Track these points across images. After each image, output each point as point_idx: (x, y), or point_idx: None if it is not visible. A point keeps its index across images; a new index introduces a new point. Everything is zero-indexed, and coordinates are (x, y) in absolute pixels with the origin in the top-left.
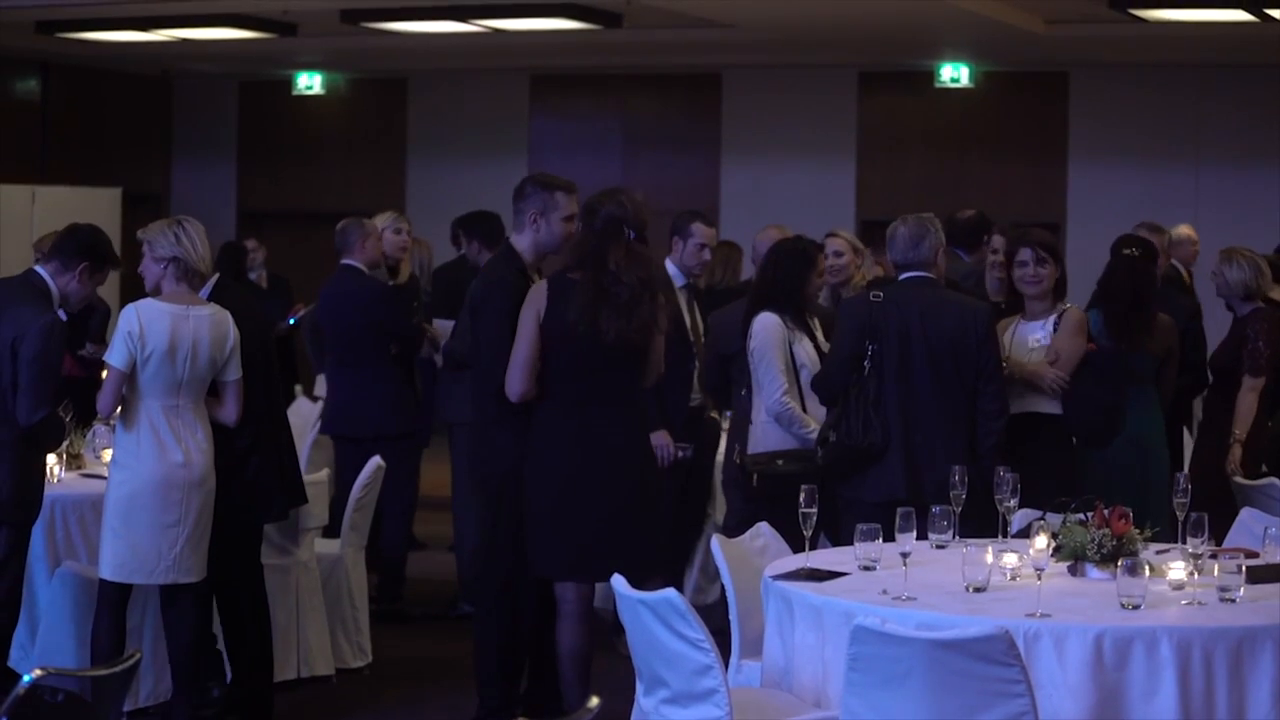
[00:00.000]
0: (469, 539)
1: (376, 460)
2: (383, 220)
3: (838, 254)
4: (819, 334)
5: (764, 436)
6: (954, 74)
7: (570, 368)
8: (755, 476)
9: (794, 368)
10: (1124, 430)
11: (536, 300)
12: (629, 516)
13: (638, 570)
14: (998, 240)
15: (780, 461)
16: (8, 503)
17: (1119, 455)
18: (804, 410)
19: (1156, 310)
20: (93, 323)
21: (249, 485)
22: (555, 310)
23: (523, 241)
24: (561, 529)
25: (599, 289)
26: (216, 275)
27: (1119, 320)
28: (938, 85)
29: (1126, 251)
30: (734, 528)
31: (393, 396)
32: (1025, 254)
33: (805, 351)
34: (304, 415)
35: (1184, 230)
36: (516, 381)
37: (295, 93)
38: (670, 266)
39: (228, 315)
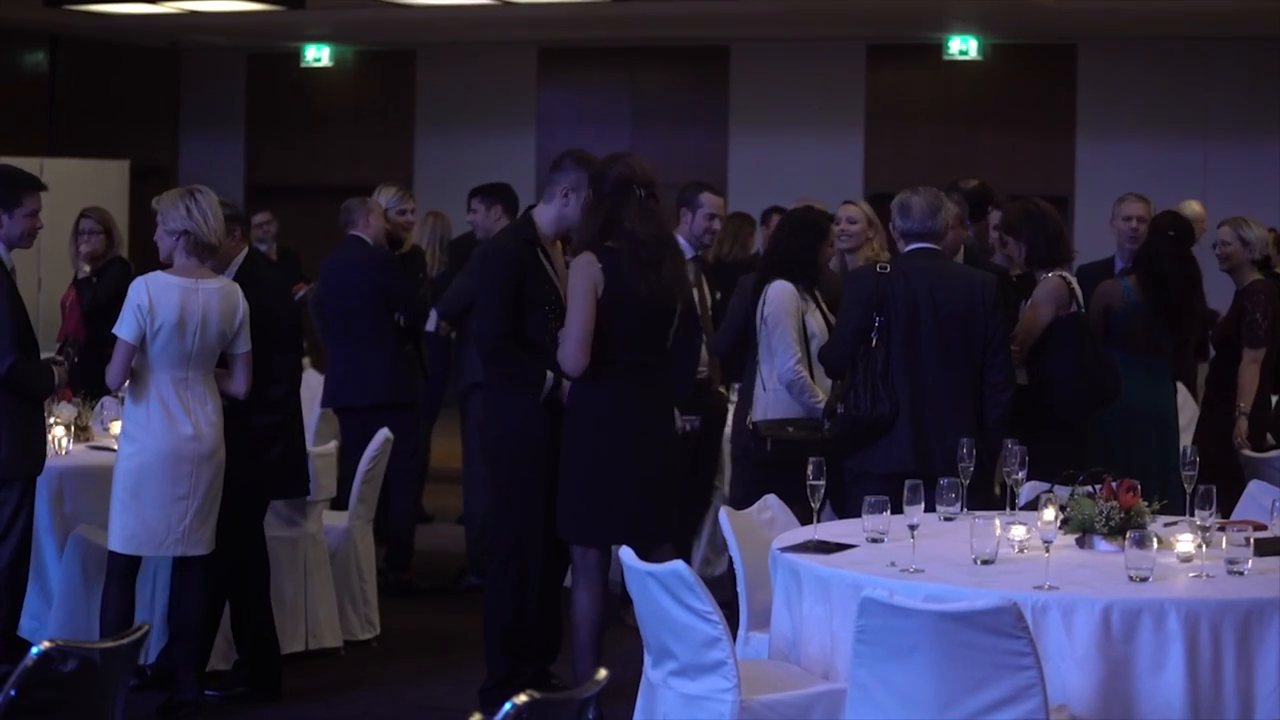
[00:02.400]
0: (478, 510)
1: (385, 433)
2: (387, 198)
3: (851, 220)
4: (824, 306)
5: (774, 403)
6: (962, 47)
7: (618, 337)
8: (769, 441)
9: (805, 337)
10: (1132, 400)
11: (591, 274)
12: (661, 484)
13: (662, 538)
14: (995, 215)
15: (791, 429)
16: (7, 459)
17: (1132, 429)
18: (813, 380)
19: (1198, 295)
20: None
21: (277, 463)
22: (612, 281)
23: (547, 214)
24: (595, 494)
25: (639, 255)
26: (247, 249)
27: (1165, 300)
28: (946, 58)
29: (1171, 232)
30: (740, 499)
31: (391, 365)
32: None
33: (816, 322)
34: (312, 389)
35: (1195, 207)
36: (576, 356)
37: (303, 65)
38: (679, 239)
39: (237, 288)
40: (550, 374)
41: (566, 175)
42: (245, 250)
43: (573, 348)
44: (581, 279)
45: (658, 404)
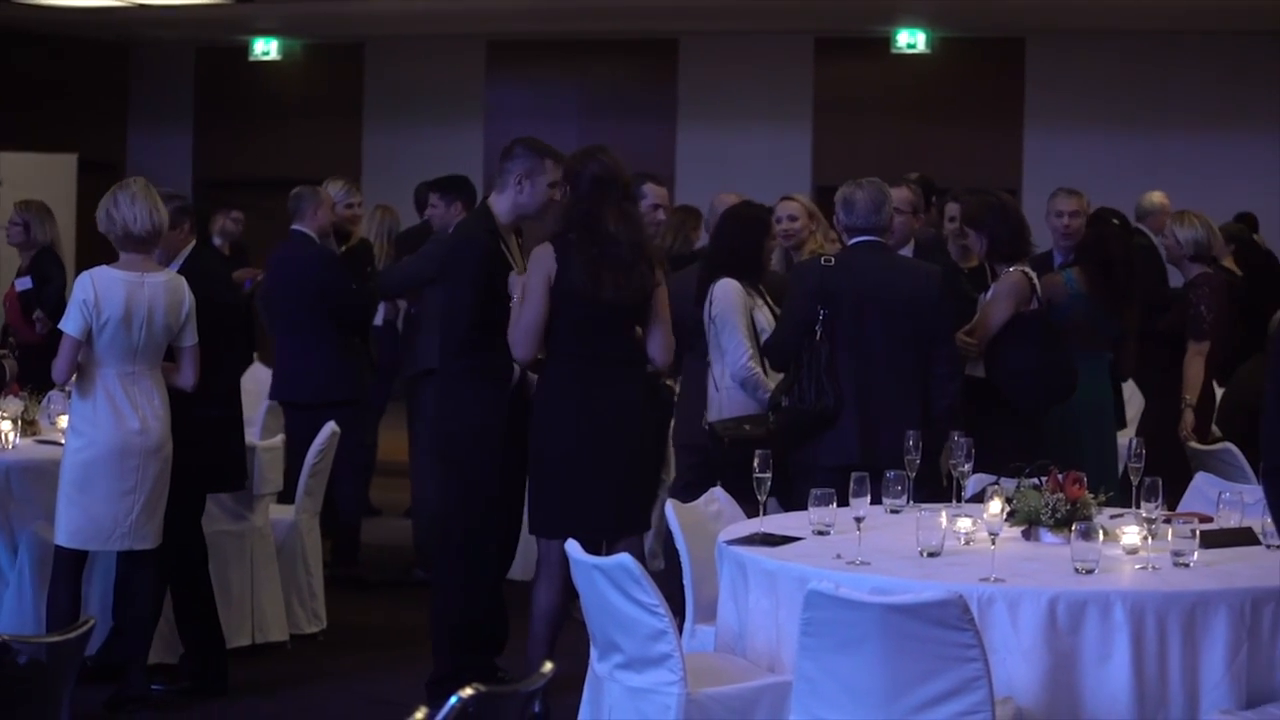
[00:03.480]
0: (426, 504)
1: (331, 426)
2: (334, 191)
3: (791, 218)
4: (770, 301)
5: (729, 402)
6: (910, 40)
7: (577, 329)
8: (727, 440)
9: (755, 333)
10: (1074, 394)
11: (545, 263)
12: (625, 478)
13: (627, 531)
14: (952, 207)
15: (747, 426)
16: None
17: (1072, 421)
18: (766, 375)
19: (1139, 283)
20: (46, 292)
21: (217, 457)
22: (564, 272)
23: (503, 203)
24: (558, 488)
25: (599, 250)
26: (194, 242)
27: (1109, 290)
28: (894, 51)
29: (1115, 221)
30: (680, 490)
31: (338, 362)
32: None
33: (764, 317)
34: (260, 382)
35: (1157, 198)
36: (526, 345)
37: (252, 59)
38: None
39: (183, 281)
40: (517, 366)
41: (519, 162)
42: (193, 243)
43: (519, 335)
44: (537, 268)
45: (622, 399)
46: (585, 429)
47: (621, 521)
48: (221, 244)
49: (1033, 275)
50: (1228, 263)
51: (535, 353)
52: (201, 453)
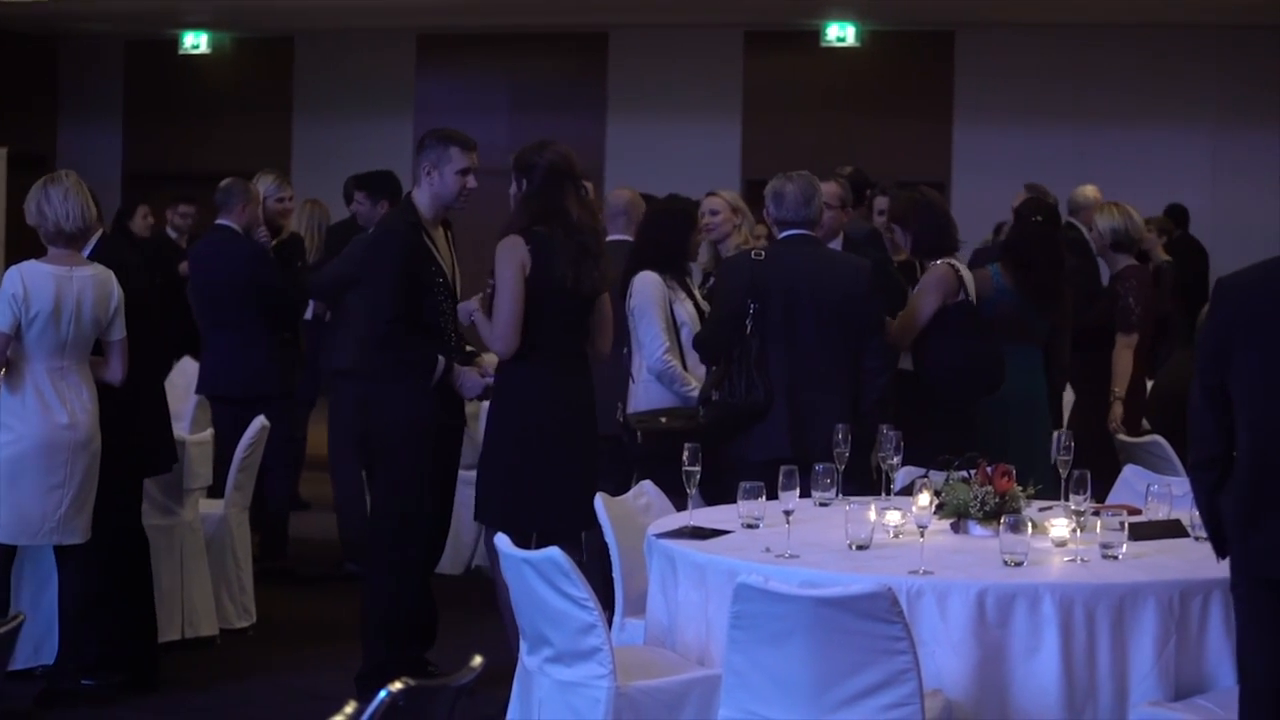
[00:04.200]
0: (349, 499)
1: (261, 420)
2: (265, 185)
3: (713, 212)
4: (697, 293)
5: (646, 395)
6: (840, 33)
7: (551, 322)
8: (639, 434)
9: (674, 326)
10: (1003, 386)
11: (519, 255)
12: (586, 472)
13: (588, 525)
14: (880, 201)
15: (664, 419)
16: None
17: (1004, 415)
18: (684, 369)
19: (1067, 277)
20: None
21: (138, 440)
22: (541, 266)
23: (422, 196)
24: (521, 481)
25: (576, 241)
26: (102, 231)
27: (1035, 285)
28: (824, 45)
29: (1036, 218)
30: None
31: (265, 357)
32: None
33: (685, 310)
34: (188, 375)
35: (1090, 192)
36: (509, 340)
37: (181, 52)
38: None
39: (111, 275)
40: (441, 359)
41: (427, 154)
42: (100, 231)
43: (504, 329)
44: (510, 260)
45: (584, 393)
46: (561, 422)
47: (586, 516)
48: (179, 238)
49: (959, 268)
50: (1160, 252)
51: (517, 345)
52: (124, 439)
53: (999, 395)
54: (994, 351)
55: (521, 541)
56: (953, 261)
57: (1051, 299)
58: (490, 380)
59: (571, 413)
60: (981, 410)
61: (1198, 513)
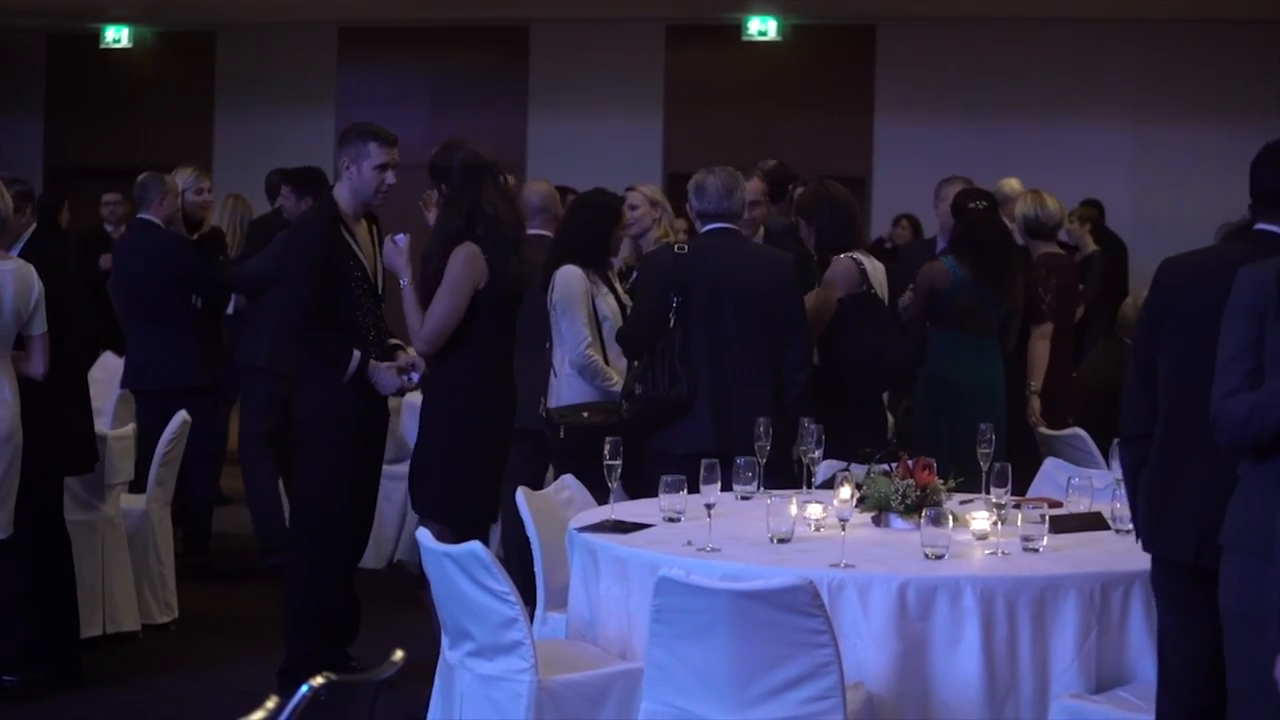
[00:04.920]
0: (261, 490)
1: (182, 415)
2: (184, 179)
3: (631, 206)
4: (618, 287)
5: (568, 389)
6: (761, 27)
7: (496, 318)
8: (562, 429)
9: (596, 321)
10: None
11: (477, 269)
12: (504, 465)
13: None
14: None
15: (586, 414)
16: None
17: (962, 406)
18: (606, 363)
19: (1018, 261)
20: None
21: (63, 438)
22: (497, 273)
23: (342, 191)
24: (461, 475)
25: (511, 240)
26: (34, 226)
27: (991, 270)
28: (745, 39)
29: (973, 205)
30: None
31: (189, 351)
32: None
33: (607, 305)
34: (110, 370)
35: (1014, 184)
36: (433, 343)
37: (103, 46)
38: None
39: (31, 269)
40: (357, 353)
41: (347, 149)
42: (33, 227)
43: (435, 335)
44: (469, 271)
45: (512, 391)
46: (494, 416)
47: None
48: (115, 230)
49: (862, 261)
50: (1089, 241)
51: (437, 350)
52: (46, 436)
53: (957, 386)
54: (899, 342)
55: (464, 533)
56: (855, 255)
57: (1008, 281)
58: (409, 380)
59: (502, 408)
60: (939, 400)
61: (1121, 502)
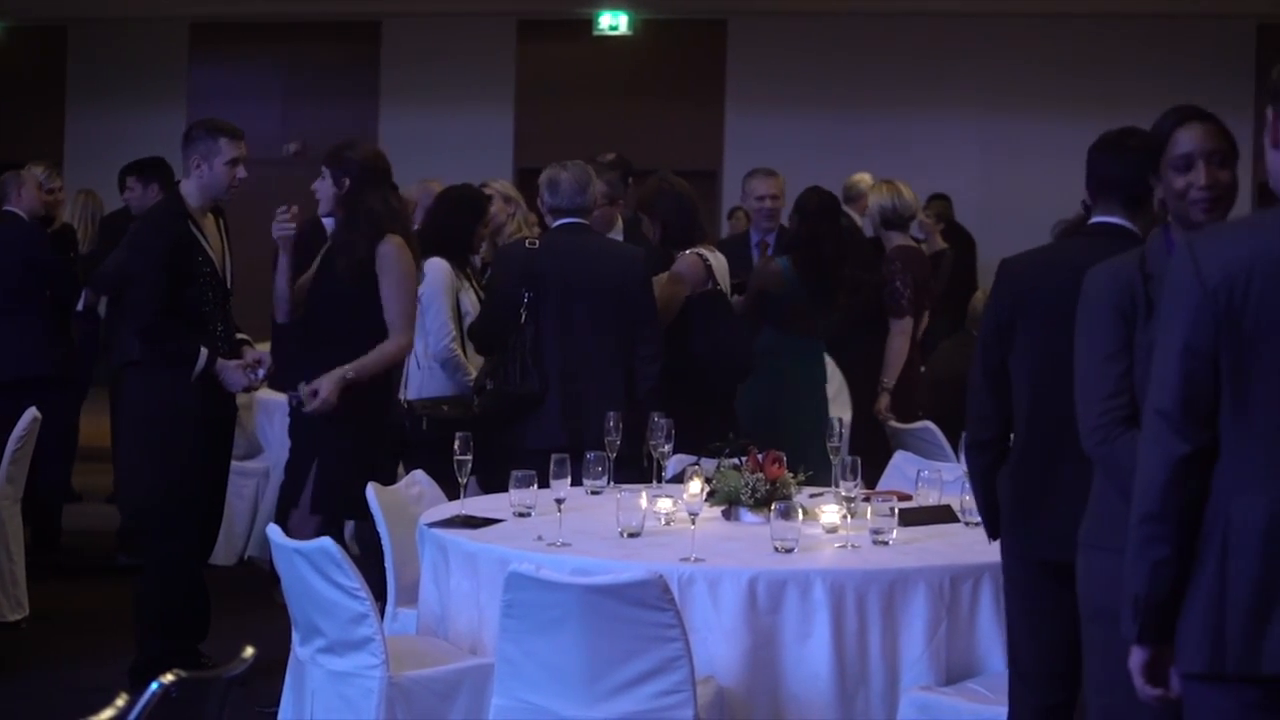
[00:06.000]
0: (132, 488)
1: (33, 412)
2: (34, 175)
3: None
4: (475, 284)
5: (429, 381)
6: (612, 22)
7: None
8: (425, 420)
9: (459, 315)
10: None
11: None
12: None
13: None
14: None
15: (445, 407)
16: None
17: (788, 402)
18: (467, 357)
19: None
20: None
21: None
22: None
23: (190, 187)
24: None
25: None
26: None
27: (815, 280)
28: (596, 33)
29: (820, 211)
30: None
31: (39, 340)
32: None
33: (469, 299)
34: None
35: (865, 179)
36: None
37: None
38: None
39: None
40: (205, 350)
41: (196, 146)
42: None
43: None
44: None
45: (390, 382)
46: (380, 410)
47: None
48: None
49: (708, 257)
50: (937, 239)
51: None
52: None
53: (783, 384)
54: (743, 339)
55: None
56: (701, 251)
57: (840, 292)
58: (255, 377)
59: (382, 402)
60: (765, 397)
61: (970, 495)
